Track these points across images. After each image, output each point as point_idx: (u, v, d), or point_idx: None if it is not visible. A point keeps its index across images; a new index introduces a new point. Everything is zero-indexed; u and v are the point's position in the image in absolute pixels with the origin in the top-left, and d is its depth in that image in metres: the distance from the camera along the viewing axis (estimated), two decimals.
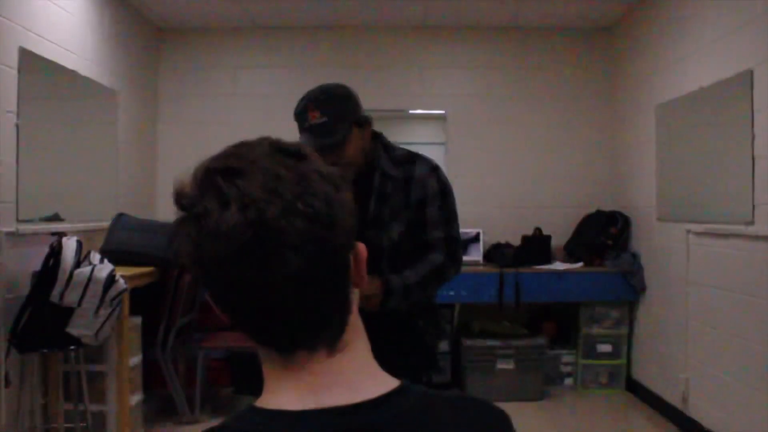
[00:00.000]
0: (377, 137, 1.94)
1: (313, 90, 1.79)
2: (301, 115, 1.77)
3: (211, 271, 0.63)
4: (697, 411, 3.61)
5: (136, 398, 3.42)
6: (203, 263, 0.63)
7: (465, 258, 4.64)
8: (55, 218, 3.41)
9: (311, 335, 0.66)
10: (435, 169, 1.94)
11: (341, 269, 0.66)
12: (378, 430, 0.63)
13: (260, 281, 0.61)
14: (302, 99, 1.78)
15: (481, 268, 4.60)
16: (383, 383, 0.67)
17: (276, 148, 0.67)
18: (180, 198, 0.66)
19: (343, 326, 0.67)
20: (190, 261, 0.64)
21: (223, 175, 0.63)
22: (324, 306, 0.65)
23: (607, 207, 4.78)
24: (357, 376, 0.67)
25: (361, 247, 0.69)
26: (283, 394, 0.65)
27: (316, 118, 1.73)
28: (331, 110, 1.75)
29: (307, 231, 0.61)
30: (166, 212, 5.11)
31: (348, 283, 0.68)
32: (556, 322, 4.78)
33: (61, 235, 2.95)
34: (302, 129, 1.78)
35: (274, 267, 0.61)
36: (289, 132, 2.06)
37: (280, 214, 0.60)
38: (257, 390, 0.69)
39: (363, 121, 1.85)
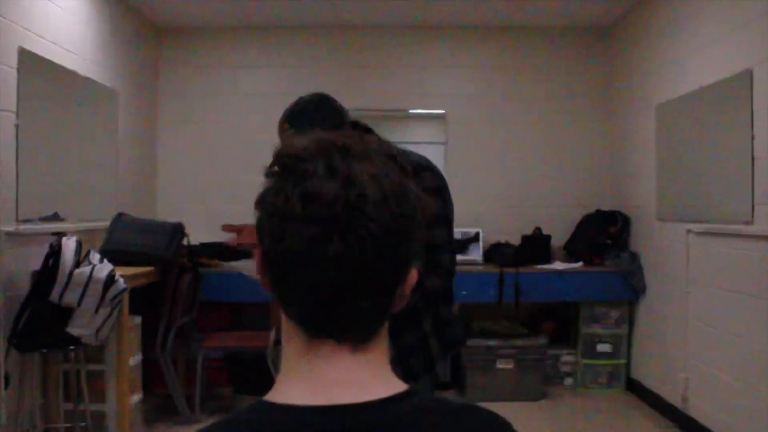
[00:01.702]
0: None
1: (292, 103, 1.90)
2: (279, 127, 1.88)
3: (286, 228, 0.65)
4: (697, 410, 3.61)
5: (135, 398, 3.43)
6: (283, 217, 0.65)
7: (465, 257, 4.69)
8: (55, 218, 3.41)
9: (343, 326, 0.67)
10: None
11: (396, 279, 0.68)
12: (382, 429, 0.64)
13: (327, 255, 0.63)
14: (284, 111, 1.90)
15: (480, 267, 4.60)
16: (393, 386, 0.69)
17: (391, 154, 0.70)
18: (287, 153, 0.68)
19: (373, 331, 0.70)
20: (269, 211, 0.67)
21: (341, 150, 0.67)
22: (367, 304, 0.67)
23: (607, 206, 4.78)
24: (371, 377, 0.68)
25: (414, 273, 0.71)
26: (295, 388, 0.67)
27: (287, 130, 1.85)
28: (296, 122, 1.84)
29: (390, 229, 0.64)
30: (166, 212, 5.16)
31: (394, 295, 0.69)
32: (556, 322, 4.79)
33: (60, 234, 2.95)
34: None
35: (348, 248, 0.63)
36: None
37: (376, 204, 0.64)
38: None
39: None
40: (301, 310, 0.68)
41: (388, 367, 0.71)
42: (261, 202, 0.68)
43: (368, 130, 1.97)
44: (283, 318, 0.71)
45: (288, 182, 0.65)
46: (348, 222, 0.63)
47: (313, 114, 1.86)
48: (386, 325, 0.72)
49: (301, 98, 1.89)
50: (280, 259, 0.66)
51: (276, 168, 0.68)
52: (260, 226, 0.68)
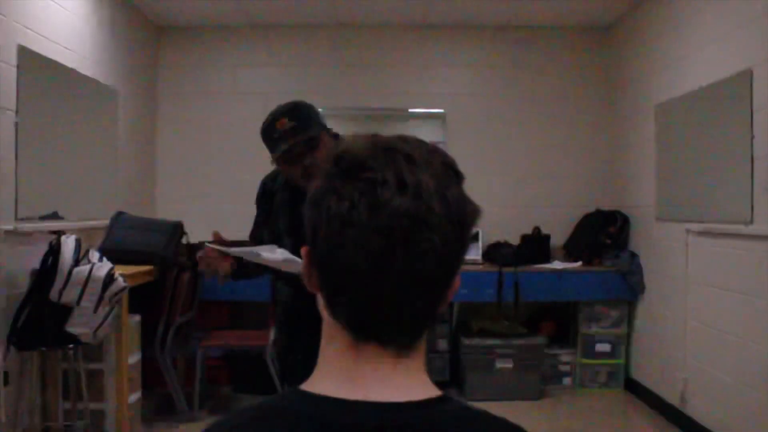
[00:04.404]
0: None
1: (275, 108, 1.87)
2: (269, 128, 1.82)
3: (348, 235, 0.63)
4: (696, 410, 3.61)
5: (134, 396, 3.42)
6: (345, 224, 0.63)
7: (464, 257, 4.67)
8: (54, 216, 3.41)
9: (391, 331, 0.68)
10: None
11: (444, 289, 0.69)
12: (417, 429, 0.65)
13: (389, 267, 0.63)
14: (267, 118, 1.85)
15: (480, 267, 4.60)
16: (429, 391, 0.70)
17: (445, 159, 0.69)
18: (351, 156, 0.66)
19: (418, 336, 0.70)
20: (328, 214, 0.64)
21: (406, 158, 0.65)
22: (418, 311, 0.68)
23: (607, 206, 4.78)
24: (409, 381, 0.69)
25: (458, 278, 0.72)
26: (332, 382, 0.67)
27: (284, 125, 1.79)
28: (298, 115, 1.81)
29: (450, 242, 0.65)
30: (166, 211, 5.15)
31: (440, 304, 0.70)
32: (555, 322, 4.79)
33: (60, 233, 2.95)
34: (272, 140, 1.82)
35: (411, 261, 0.63)
36: None
37: (440, 218, 0.64)
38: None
39: (331, 133, 1.89)
40: (350, 314, 0.68)
41: (426, 373, 0.72)
42: (317, 203, 0.66)
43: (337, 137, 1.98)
44: (326, 316, 0.71)
45: (354, 189, 0.64)
46: (414, 235, 0.63)
47: (311, 110, 1.88)
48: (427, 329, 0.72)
49: (290, 102, 1.90)
50: (337, 266, 0.65)
51: (335, 169, 0.66)
52: (314, 227, 0.67)
